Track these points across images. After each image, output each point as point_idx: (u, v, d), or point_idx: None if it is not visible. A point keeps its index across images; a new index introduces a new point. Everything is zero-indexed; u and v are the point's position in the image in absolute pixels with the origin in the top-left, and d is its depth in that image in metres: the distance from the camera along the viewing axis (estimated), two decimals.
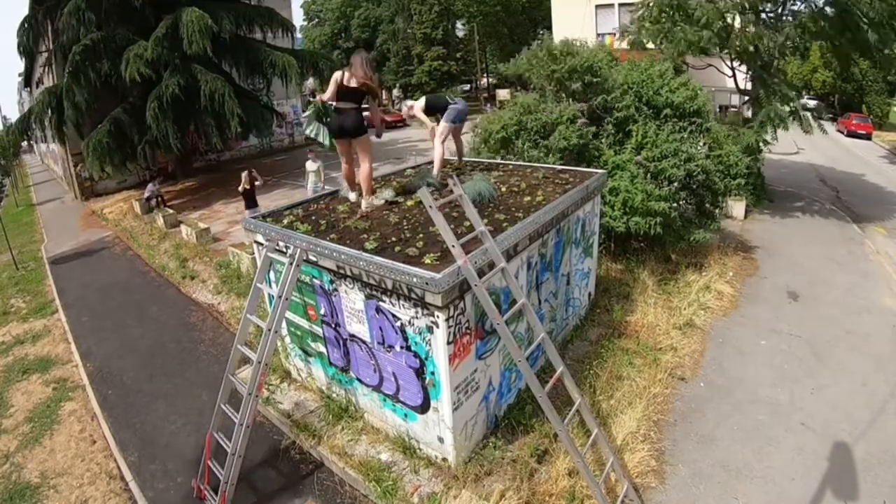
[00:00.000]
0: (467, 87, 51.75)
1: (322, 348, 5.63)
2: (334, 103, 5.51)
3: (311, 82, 19.27)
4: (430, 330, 4.26)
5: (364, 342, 4.99)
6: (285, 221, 5.57)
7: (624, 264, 8.85)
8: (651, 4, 12.92)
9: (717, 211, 9.47)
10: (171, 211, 14.54)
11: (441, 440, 4.69)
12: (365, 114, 5.75)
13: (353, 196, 6.15)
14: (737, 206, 12.56)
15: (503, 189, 6.36)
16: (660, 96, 8.80)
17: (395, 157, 19.77)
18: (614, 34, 15.90)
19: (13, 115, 41.13)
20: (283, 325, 5.65)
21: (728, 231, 11.47)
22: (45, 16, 17.19)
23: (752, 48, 12.05)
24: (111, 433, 6.08)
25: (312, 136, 5.60)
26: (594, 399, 5.73)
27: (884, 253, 10.66)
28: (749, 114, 13.95)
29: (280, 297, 4.51)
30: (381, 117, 6.51)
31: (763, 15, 12.90)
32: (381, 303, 4.56)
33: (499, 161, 8.51)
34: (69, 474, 5.53)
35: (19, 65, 23.20)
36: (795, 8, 12.99)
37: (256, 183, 11.62)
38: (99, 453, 5.82)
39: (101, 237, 14.75)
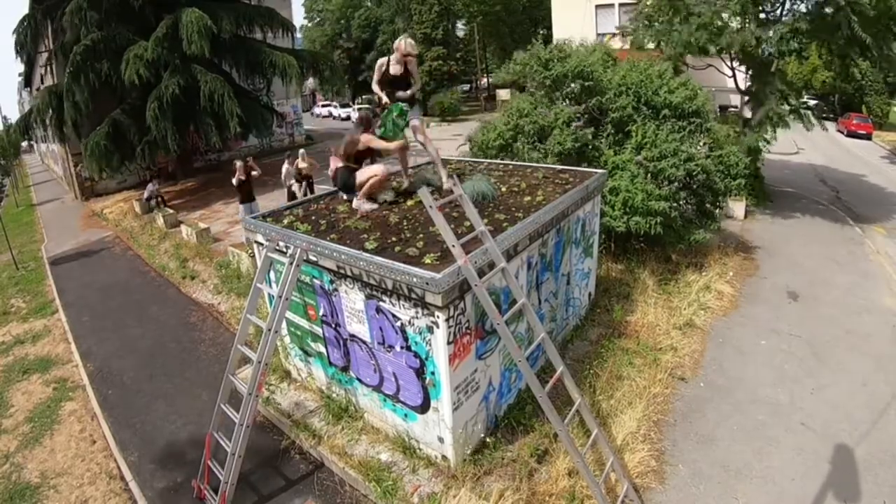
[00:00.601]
0: (467, 87, 51.71)
1: (322, 348, 5.63)
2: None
3: (311, 82, 19.31)
4: (430, 330, 4.26)
5: (364, 342, 4.99)
6: (285, 221, 5.58)
7: (624, 264, 8.85)
8: (648, 5, 12.94)
9: (717, 211, 9.46)
10: (171, 211, 14.54)
11: (441, 440, 4.69)
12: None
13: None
14: (737, 206, 12.56)
15: (503, 189, 6.37)
16: (658, 96, 8.79)
17: (394, 156, 19.72)
18: (614, 35, 15.90)
19: (13, 115, 41.13)
20: (283, 325, 5.64)
21: (728, 231, 11.47)
22: (45, 15, 17.19)
23: (749, 48, 12.04)
24: (111, 433, 6.08)
25: (391, 134, 5.81)
26: (594, 399, 5.73)
27: (884, 253, 10.66)
28: (749, 114, 13.94)
29: (280, 297, 4.52)
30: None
31: (763, 15, 12.90)
32: (381, 303, 4.57)
33: (499, 161, 8.51)
34: (69, 474, 5.53)
35: (19, 65, 23.11)
36: (795, 8, 12.98)
37: (254, 174, 10.46)
38: (99, 453, 5.82)
39: (101, 237, 14.76)
